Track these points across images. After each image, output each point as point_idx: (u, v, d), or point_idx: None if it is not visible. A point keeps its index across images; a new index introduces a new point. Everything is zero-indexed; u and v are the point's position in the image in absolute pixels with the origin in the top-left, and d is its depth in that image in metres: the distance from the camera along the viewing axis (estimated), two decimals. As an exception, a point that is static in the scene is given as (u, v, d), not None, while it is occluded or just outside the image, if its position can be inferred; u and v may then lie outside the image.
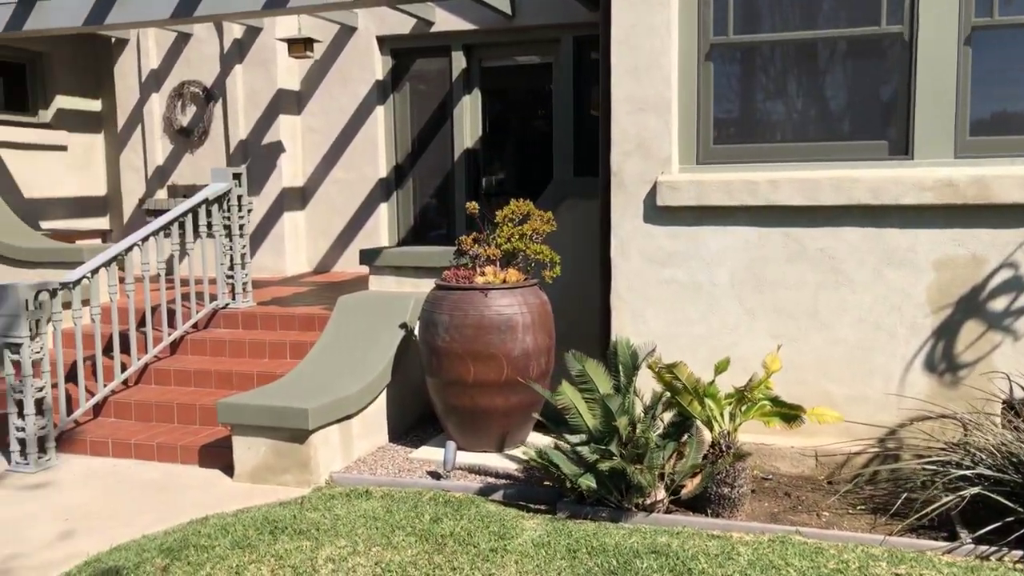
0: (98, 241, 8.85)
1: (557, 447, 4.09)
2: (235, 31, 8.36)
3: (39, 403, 4.94)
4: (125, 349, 5.92)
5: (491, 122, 8.37)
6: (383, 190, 8.52)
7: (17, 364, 4.89)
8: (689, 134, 4.72)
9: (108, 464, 4.99)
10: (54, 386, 5.46)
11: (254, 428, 4.61)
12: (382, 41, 8.37)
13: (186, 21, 6.65)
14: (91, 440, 5.18)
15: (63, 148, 8.96)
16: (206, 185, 8.61)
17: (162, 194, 8.86)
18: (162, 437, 5.13)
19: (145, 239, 5.76)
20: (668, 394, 3.94)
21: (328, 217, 8.67)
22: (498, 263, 4.99)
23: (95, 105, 9.35)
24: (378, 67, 8.38)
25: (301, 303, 6.65)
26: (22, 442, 4.93)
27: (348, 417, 4.83)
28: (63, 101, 8.96)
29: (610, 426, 3.84)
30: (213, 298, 6.52)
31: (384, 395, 5.21)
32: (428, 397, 5.81)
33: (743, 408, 3.84)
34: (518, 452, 4.96)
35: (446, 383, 4.81)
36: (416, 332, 5.62)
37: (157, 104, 8.77)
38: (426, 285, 5.90)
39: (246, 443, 4.63)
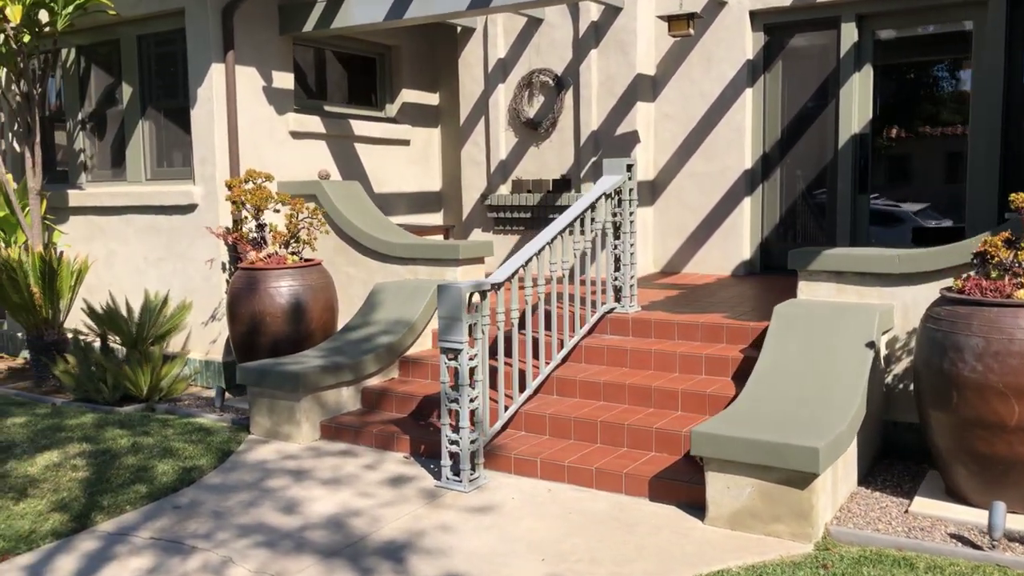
0: (439, 237, 8.67)
1: None
2: (592, 13, 7.79)
3: (471, 415, 4.51)
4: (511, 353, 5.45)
5: (883, 103, 7.21)
6: (747, 183, 7.62)
7: (453, 371, 4.48)
8: None
9: (540, 488, 4.47)
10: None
11: (736, 465, 3.86)
12: (754, 16, 7.46)
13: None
14: (515, 457, 4.69)
15: (406, 143, 8.87)
16: (552, 180, 8.17)
17: (504, 189, 8.51)
18: (598, 460, 4.53)
19: (553, 239, 5.23)
20: None
21: (680, 213, 7.90)
22: (1029, 272, 3.91)
23: (433, 99, 9.21)
24: (748, 45, 7.49)
25: (688, 309, 5.91)
26: (454, 457, 4.53)
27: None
28: (407, 95, 8.87)
29: None
30: (602, 302, 5.93)
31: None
32: (885, 431, 4.86)
33: None
34: (1058, 515, 3.87)
35: (968, 422, 3.81)
36: (884, 353, 4.67)
37: (503, 95, 8.42)
38: (872, 295, 4.93)
39: (724, 481, 3.90)
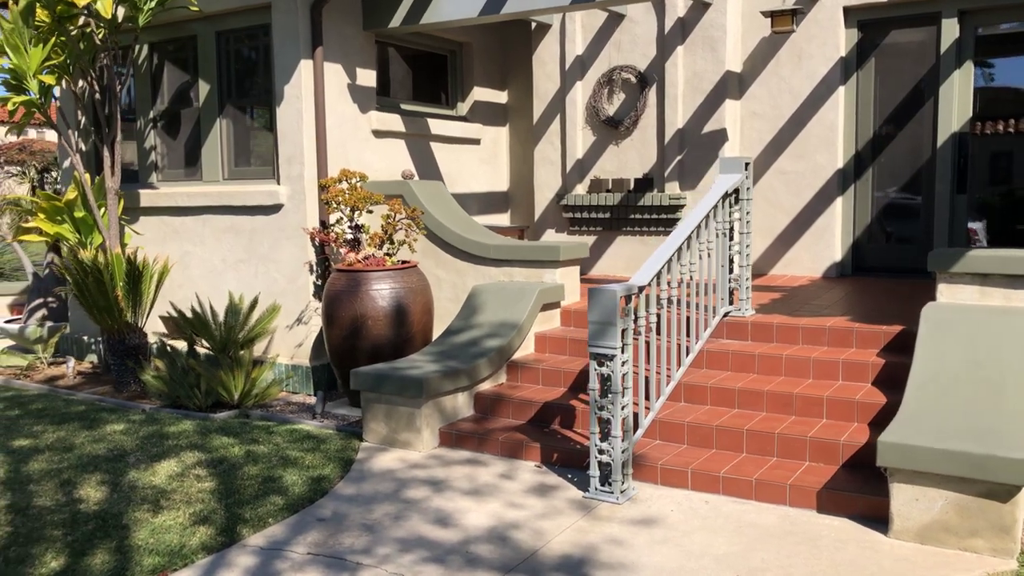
0: (509, 238, 8.48)
1: None
2: (678, 8, 7.62)
3: (622, 423, 4.33)
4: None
5: (984, 102, 7.04)
6: (839, 183, 7.46)
7: (601, 377, 4.30)
8: None
9: (696, 499, 4.30)
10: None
11: (928, 476, 3.70)
12: (848, 12, 7.30)
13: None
14: (661, 467, 4.52)
15: (477, 142, 8.70)
16: (634, 179, 8.01)
17: (580, 189, 8.34)
18: (752, 471, 4.36)
19: (687, 240, 5.05)
20: None
21: (768, 213, 7.73)
22: None
23: (502, 97, 9.04)
24: (841, 42, 7.32)
25: (803, 312, 5.74)
26: (604, 467, 4.35)
27: (1023, 467, 3.80)
28: (477, 93, 8.70)
29: None
30: (719, 305, 5.76)
31: None
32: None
33: None
34: None
35: None
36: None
37: (580, 93, 8.24)
38: (1022, 298, 4.76)
39: (912, 493, 3.73)
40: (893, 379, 4.88)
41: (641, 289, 4.53)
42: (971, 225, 7.10)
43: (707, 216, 5.32)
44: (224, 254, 7.28)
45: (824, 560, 3.58)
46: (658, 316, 5.56)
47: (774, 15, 6.81)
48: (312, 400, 6.63)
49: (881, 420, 4.59)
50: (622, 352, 4.28)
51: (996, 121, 7.01)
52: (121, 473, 4.74)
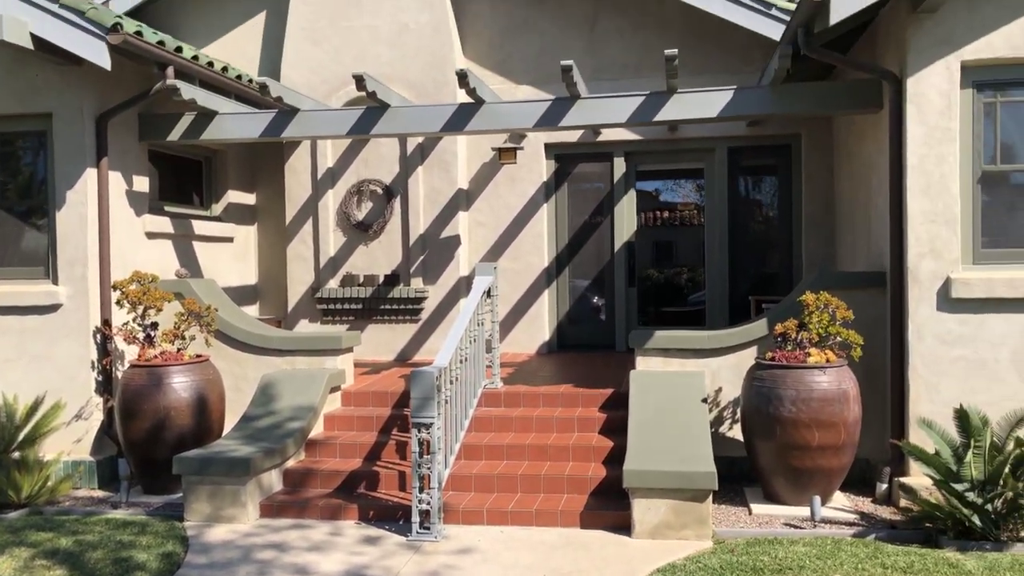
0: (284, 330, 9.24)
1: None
2: (418, 137, 9.16)
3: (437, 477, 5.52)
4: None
5: (644, 218, 9.46)
6: (546, 279, 9.41)
7: (422, 443, 5.48)
8: (966, 240, 5.97)
9: (493, 531, 5.61)
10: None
11: (656, 490, 5.39)
12: (548, 147, 9.38)
13: (380, 135, 7.44)
14: (463, 510, 5.77)
15: (231, 240, 9.40)
16: (384, 275, 9.30)
17: (333, 283, 9.41)
18: (530, 505, 5.78)
19: (465, 330, 6.44)
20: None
21: (492, 303, 9.43)
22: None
23: (251, 199, 9.85)
24: (544, 169, 9.37)
25: (537, 381, 7.40)
26: (423, 514, 5.49)
27: (708, 479, 5.67)
28: (231, 196, 9.44)
29: (997, 474, 4.91)
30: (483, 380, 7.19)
31: (702, 461, 6.06)
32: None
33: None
34: (843, 502, 5.93)
35: (786, 447, 5.76)
36: (713, 403, 6.55)
37: (332, 199, 9.38)
38: (690, 364, 6.83)
39: (646, 504, 5.40)
40: (613, 428, 6.66)
41: (442, 371, 5.81)
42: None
43: (475, 310, 6.78)
44: (-15, 354, 7.21)
45: (596, 556, 5.09)
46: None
47: (501, 150, 8.63)
48: (99, 494, 6.85)
49: (611, 458, 6.30)
50: (438, 420, 5.51)
51: (651, 231, 9.45)
52: (-41, 574, 4.86)
